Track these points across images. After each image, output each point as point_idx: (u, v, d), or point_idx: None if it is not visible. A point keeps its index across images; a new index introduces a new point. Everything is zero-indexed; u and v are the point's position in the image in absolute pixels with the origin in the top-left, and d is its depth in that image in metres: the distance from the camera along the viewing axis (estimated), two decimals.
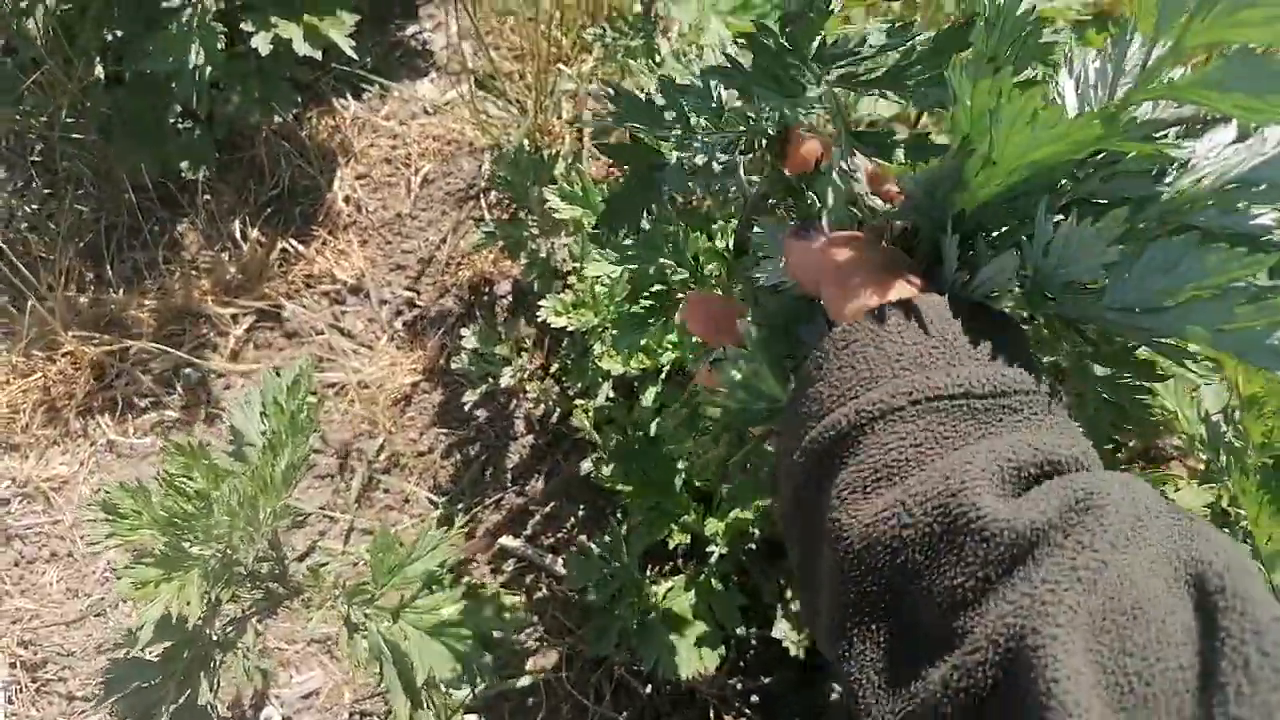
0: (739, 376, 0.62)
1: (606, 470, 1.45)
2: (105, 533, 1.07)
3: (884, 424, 0.52)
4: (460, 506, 1.78)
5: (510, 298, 1.93)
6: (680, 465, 1.46)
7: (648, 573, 1.44)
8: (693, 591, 1.40)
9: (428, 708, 1.25)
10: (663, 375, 1.47)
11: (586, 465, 1.62)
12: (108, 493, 1.07)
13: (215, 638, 1.14)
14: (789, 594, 1.54)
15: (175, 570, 1.04)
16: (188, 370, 1.88)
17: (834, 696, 1.58)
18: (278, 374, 1.26)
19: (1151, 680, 0.40)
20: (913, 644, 0.49)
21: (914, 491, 0.50)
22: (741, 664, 1.61)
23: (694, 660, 1.35)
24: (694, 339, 1.35)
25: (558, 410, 1.81)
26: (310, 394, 1.22)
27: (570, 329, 1.50)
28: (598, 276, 1.29)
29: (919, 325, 0.54)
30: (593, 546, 1.41)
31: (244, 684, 1.62)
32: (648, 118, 0.64)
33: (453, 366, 1.78)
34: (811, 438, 0.55)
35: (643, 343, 1.40)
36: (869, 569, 0.50)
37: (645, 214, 0.71)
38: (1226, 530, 1.23)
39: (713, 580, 1.43)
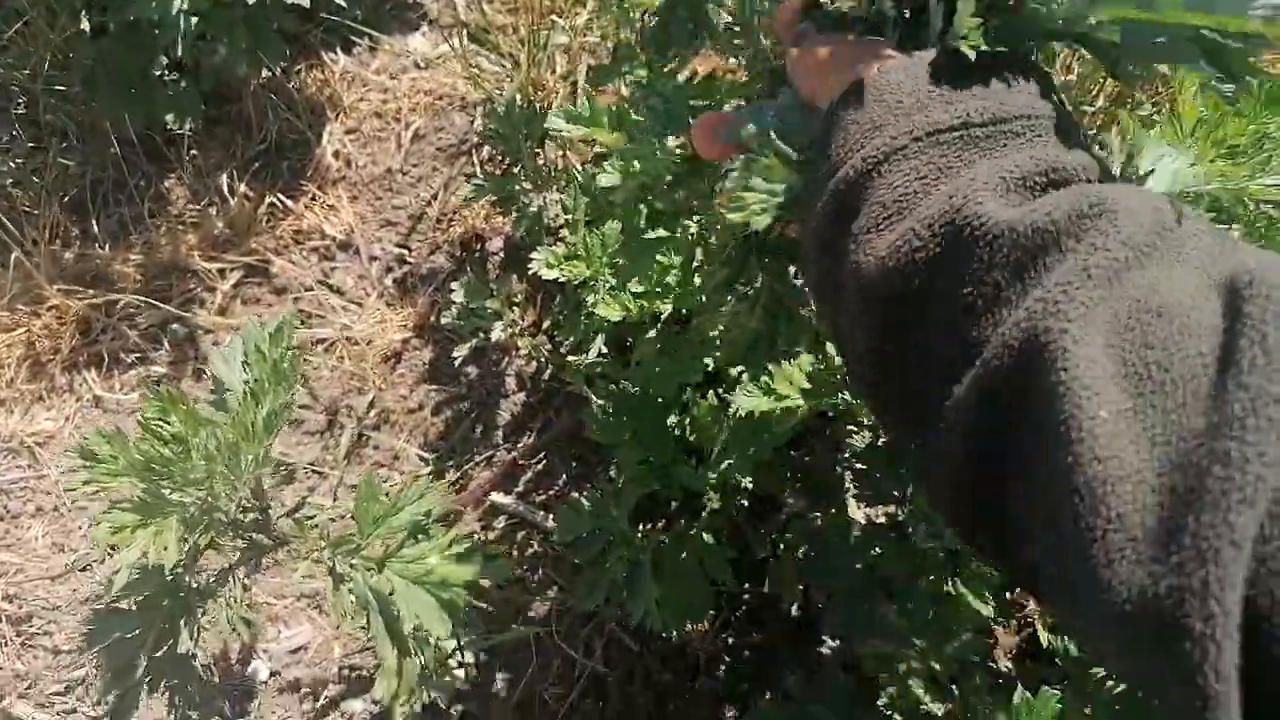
0: (752, 174, 0.62)
1: (598, 424, 1.43)
2: (83, 479, 1.05)
3: (889, 165, 0.53)
4: (451, 463, 1.77)
5: (502, 254, 1.90)
6: (672, 419, 1.44)
7: (639, 528, 1.42)
8: (683, 545, 1.38)
9: (416, 656, 1.24)
10: (660, 323, 1.45)
11: (579, 419, 1.60)
12: (85, 439, 1.05)
13: (196, 586, 1.12)
14: (781, 549, 1.53)
15: (153, 516, 1.02)
16: (175, 326, 1.85)
17: (826, 651, 1.57)
18: (261, 323, 1.23)
19: (1170, 367, 0.41)
20: (934, 369, 0.50)
21: (921, 217, 0.51)
22: (733, 620, 1.60)
23: (684, 614, 1.34)
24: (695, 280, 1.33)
25: (549, 367, 1.79)
26: (293, 342, 1.19)
27: (563, 281, 1.48)
28: (608, 190, 1.26)
29: (914, 76, 0.55)
30: (583, 501, 1.39)
31: (230, 637, 1.61)
32: None
33: (443, 322, 1.76)
34: (824, 198, 0.56)
35: (641, 289, 1.37)
36: (886, 301, 0.52)
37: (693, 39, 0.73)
38: None
39: (704, 535, 1.41)
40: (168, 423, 1.00)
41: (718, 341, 1.37)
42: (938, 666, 1.25)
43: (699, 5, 0.73)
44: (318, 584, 1.68)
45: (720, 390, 1.55)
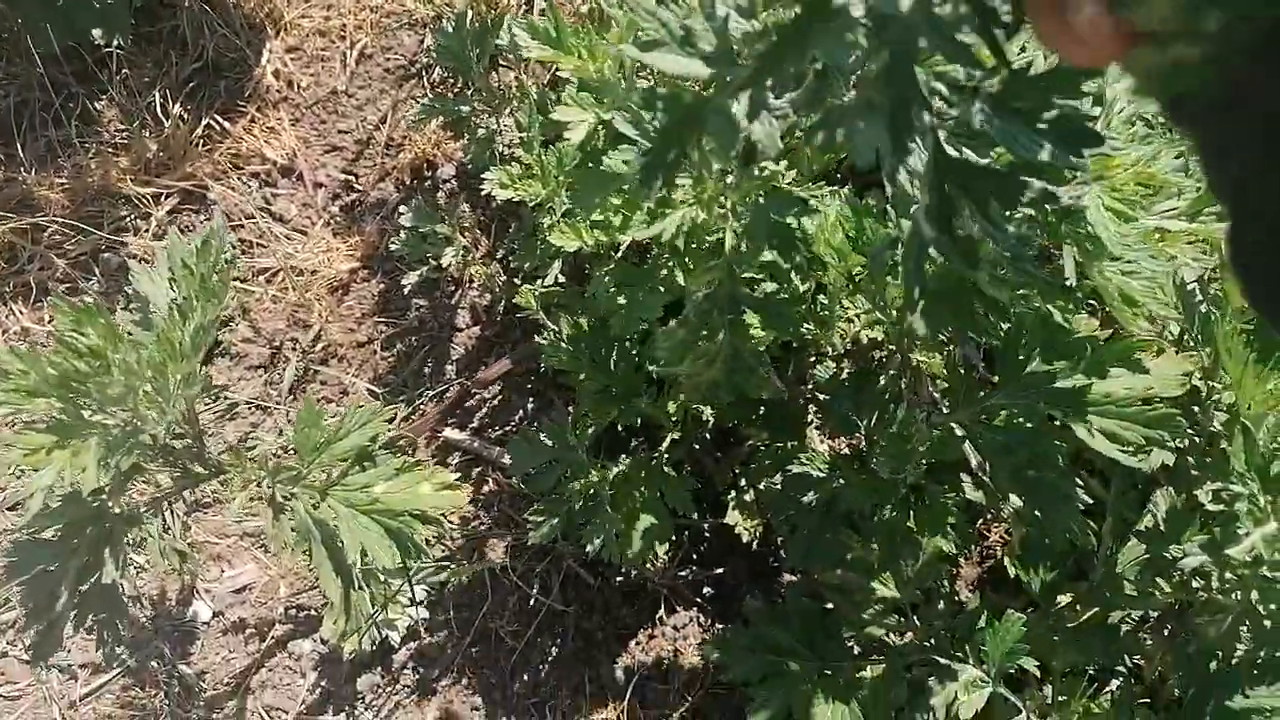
0: None
1: (555, 352, 1.37)
2: None
3: None
4: (402, 398, 1.70)
5: (454, 182, 1.81)
6: (633, 350, 1.38)
7: (597, 460, 1.37)
8: (643, 476, 1.33)
9: (364, 590, 1.18)
10: (618, 254, 1.38)
11: (537, 346, 1.54)
12: None
13: (120, 512, 1.05)
14: (742, 482, 1.48)
15: (70, 437, 0.95)
16: (106, 254, 1.75)
17: (790, 579, 1.53)
18: (189, 234, 1.15)
19: None
20: None
21: None
22: (694, 555, 1.56)
23: (644, 545, 1.29)
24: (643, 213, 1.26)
25: (504, 299, 1.71)
26: (225, 256, 1.12)
27: (517, 201, 1.40)
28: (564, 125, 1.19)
29: None
30: (538, 433, 1.33)
31: (165, 572, 1.54)
32: None
33: (391, 249, 1.68)
34: None
35: (598, 216, 1.30)
36: None
37: None
38: (1197, 409, 1.19)
39: (664, 466, 1.36)
40: (83, 334, 0.92)
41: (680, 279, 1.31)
42: (898, 595, 1.22)
43: None
44: (261, 523, 1.61)
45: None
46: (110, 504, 1.04)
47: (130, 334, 1.03)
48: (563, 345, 1.33)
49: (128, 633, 1.49)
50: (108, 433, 0.96)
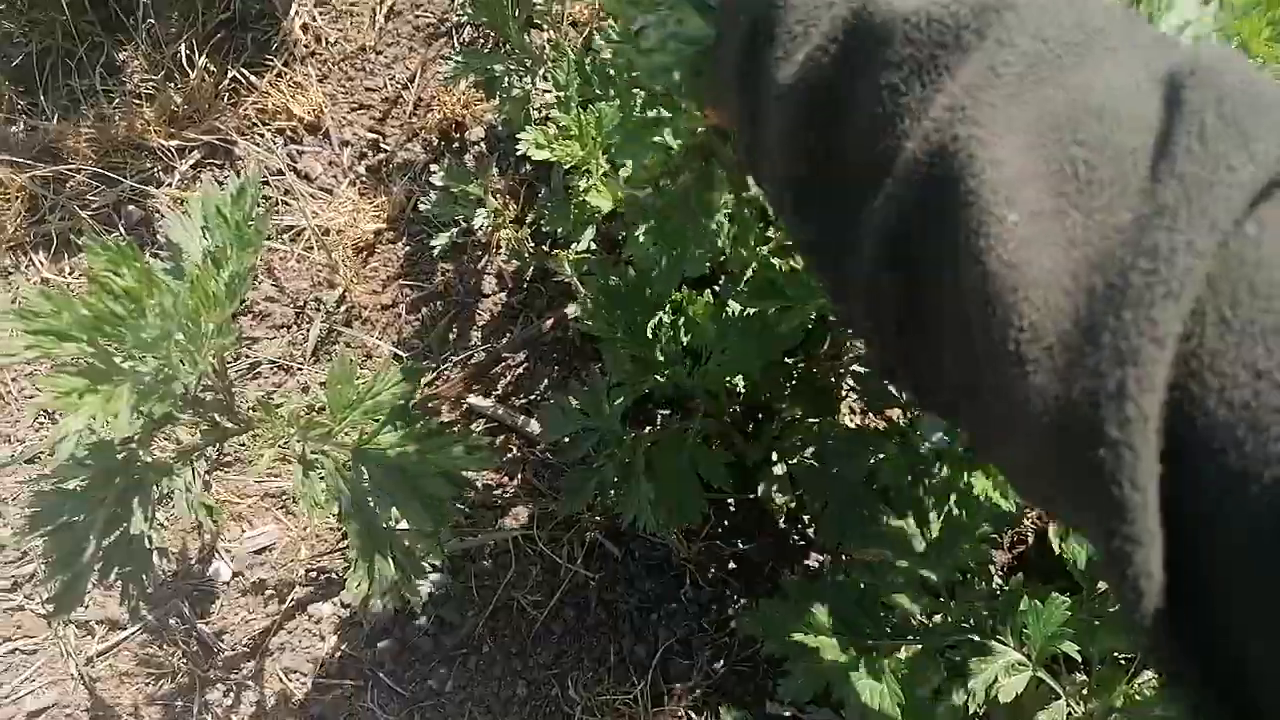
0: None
1: (588, 314, 1.34)
2: (23, 343, 0.95)
3: None
4: (427, 363, 1.67)
5: (483, 145, 1.78)
6: (666, 318, 1.35)
7: (629, 431, 1.34)
8: (677, 447, 1.30)
9: (389, 554, 1.16)
10: (654, 216, 1.35)
11: (570, 311, 1.51)
12: (25, 297, 0.94)
13: (151, 461, 1.03)
14: (774, 457, 1.46)
15: (103, 382, 0.92)
16: (130, 207, 1.73)
17: (814, 565, 1.51)
18: (220, 185, 1.12)
19: (1098, 166, 0.37)
20: (851, 190, 0.47)
21: (824, 28, 0.48)
22: (720, 530, 1.54)
23: (677, 517, 1.26)
24: None
25: (532, 266, 1.69)
26: (259, 206, 1.09)
27: (552, 162, 1.37)
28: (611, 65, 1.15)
29: None
30: (570, 399, 1.31)
31: (189, 531, 1.52)
32: None
33: (420, 208, 1.65)
34: (737, 31, 0.55)
35: (645, 161, 1.27)
36: (800, 122, 0.49)
37: None
38: None
39: (697, 438, 1.33)
40: (118, 275, 0.90)
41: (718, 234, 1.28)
42: (934, 576, 1.19)
43: None
44: (283, 483, 1.59)
45: (716, 288, 1.47)
46: (140, 453, 1.02)
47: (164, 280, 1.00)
48: (601, 310, 1.30)
49: (151, 588, 1.48)
50: (140, 379, 0.94)
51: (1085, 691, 1.14)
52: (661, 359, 1.32)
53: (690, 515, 1.26)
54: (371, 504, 1.10)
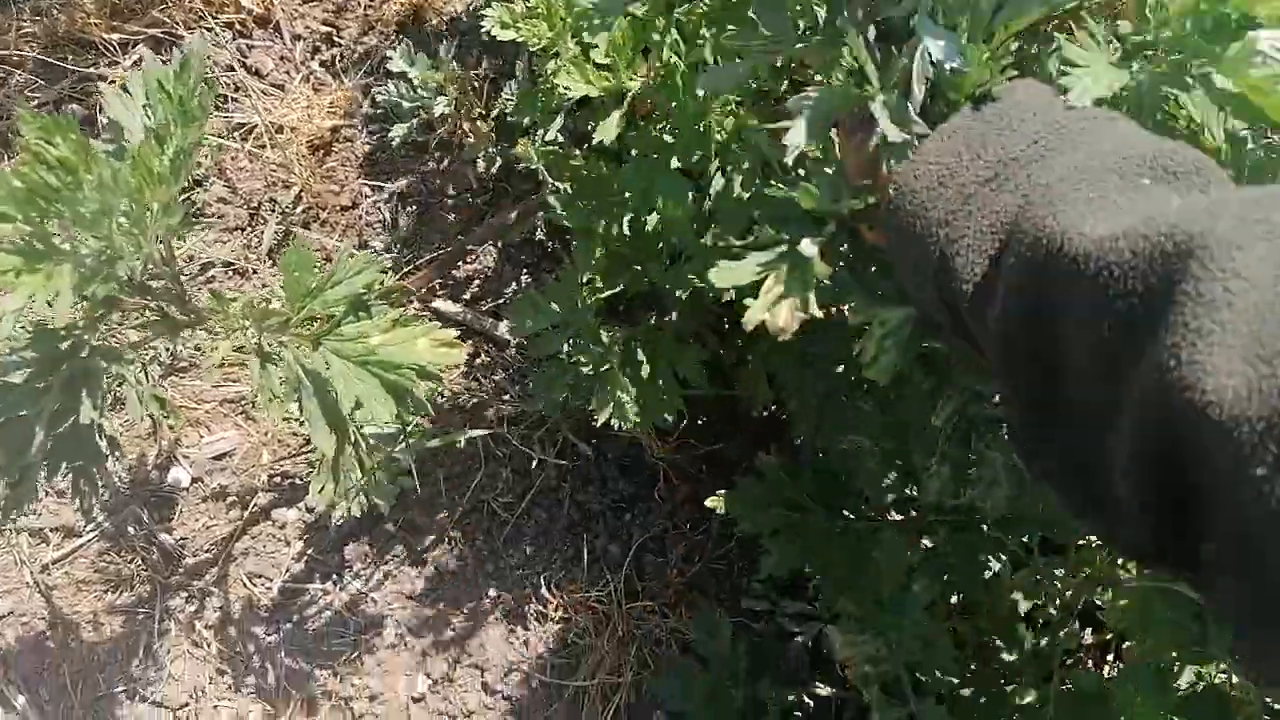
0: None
1: (562, 203, 1.29)
2: None
3: (963, 211, 0.57)
4: (389, 267, 1.61)
5: (444, 38, 1.70)
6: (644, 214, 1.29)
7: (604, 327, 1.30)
8: (654, 343, 1.27)
9: (354, 451, 1.12)
10: (627, 103, 1.29)
11: (536, 204, 1.45)
12: None
13: (99, 346, 0.97)
14: (749, 357, 1.43)
15: (41, 261, 0.86)
16: (73, 105, 1.64)
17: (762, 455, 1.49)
18: (163, 61, 1.05)
19: None
20: (1084, 424, 0.50)
21: (1012, 281, 0.51)
22: (693, 429, 1.51)
23: (654, 414, 1.23)
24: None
25: (498, 162, 1.62)
26: (204, 76, 1.02)
27: (516, 50, 1.31)
28: None
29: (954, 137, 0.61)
30: (543, 296, 1.26)
31: (144, 433, 1.48)
32: None
33: (378, 100, 1.57)
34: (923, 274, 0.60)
35: (606, 60, 1.21)
36: (1010, 355, 0.53)
37: None
38: None
39: (673, 335, 1.30)
40: (52, 145, 0.83)
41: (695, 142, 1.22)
42: (914, 459, 1.18)
43: None
44: (241, 388, 1.55)
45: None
46: (85, 337, 0.97)
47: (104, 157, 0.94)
48: (575, 202, 1.25)
49: (106, 487, 1.43)
50: (81, 260, 0.88)
51: (1061, 571, 1.15)
52: (640, 255, 1.28)
53: (667, 411, 1.23)
54: (334, 397, 1.06)
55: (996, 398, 1.00)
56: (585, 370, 1.21)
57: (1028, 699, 1.14)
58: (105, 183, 0.85)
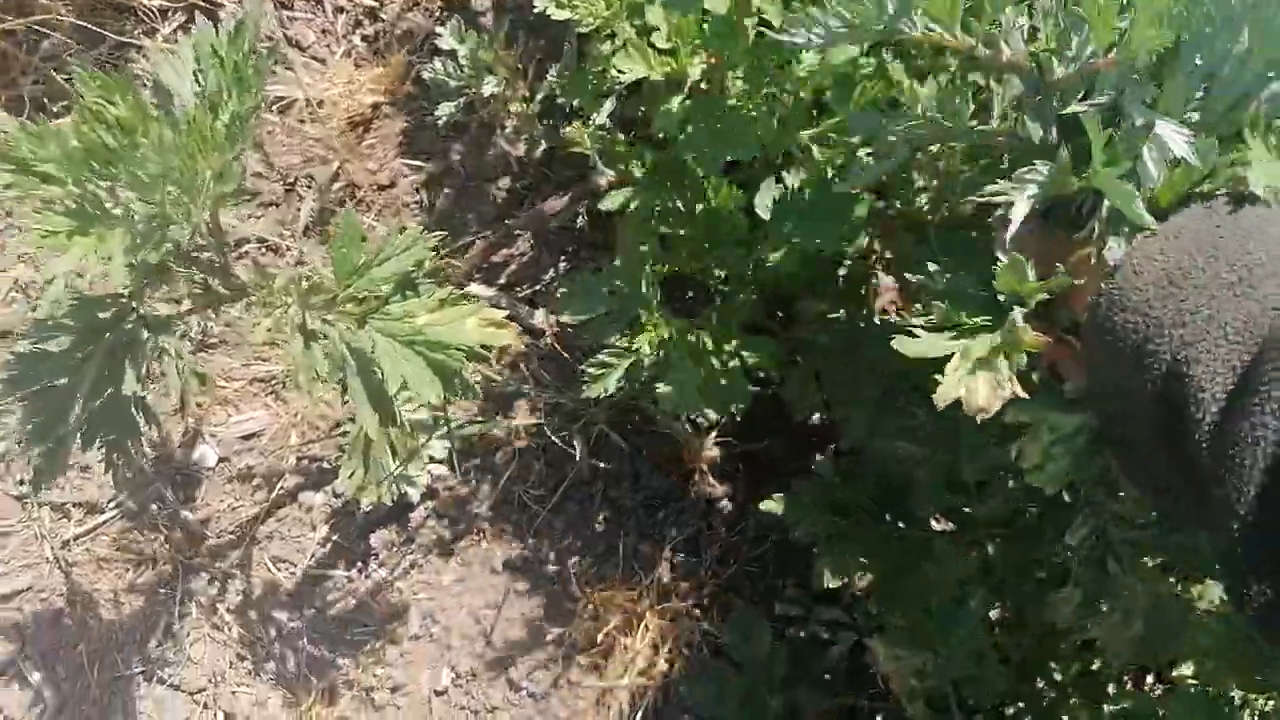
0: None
1: (636, 190, 1.24)
2: (3, 183, 0.85)
3: (1198, 348, 0.55)
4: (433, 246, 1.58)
5: (491, 14, 1.67)
6: (713, 193, 1.24)
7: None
8: (722, 331, 1.21)
9: (399, 428, 1.09)
10: (686, 91, 1.25)
11: (587, 189, 1.41)
12: (4, 134, 0.85)
13: (144, 315, 0.94)
14: (798, 357, 1.39)
15: (94, 225, 0.83)
16: (111, 71, 1.60)
17: (819, 458, 1.46)
18: (215, 27, 1.02)
19: None
20: None
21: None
22: (733, 427, 1.48)
23: (722, 405, 1.19)
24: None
25: (541, 146, 1.59)
26: (259, 44, 0.99)
27: (566, 28, 1.27)
28: None
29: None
30: (594, 279, 1.22)
31: (171, 409, 1.44)
32: None
33: (424, 75, 1.53)
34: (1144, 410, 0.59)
35: (669, 45, 1.18)
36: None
37: None
38: None
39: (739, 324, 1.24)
40: (111, 104, 0.80)
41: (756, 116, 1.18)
42: (965, 474, 1.15)
43: None
44: (272, 367, 1.51)
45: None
46: (131, 305, 0.93)
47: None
48: (640, 180, 1.21)
49: (138, 460, 1.40)
50: (132, 223, 0.85)
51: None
52: (709, 243, 1.23)
53: (739, 401, 1.19)
54: (379, 377, 1.03)
55: (1139, 519, 0.95)
56: (647, 359, 1.16)
57: None
58: (164, 146, 0.81)
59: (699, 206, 1.20)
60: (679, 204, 1.20)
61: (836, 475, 1.14)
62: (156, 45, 1.59)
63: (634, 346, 1.15)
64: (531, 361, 1.53)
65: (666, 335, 1.16)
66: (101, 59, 1.60)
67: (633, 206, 1.23)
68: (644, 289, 1.17)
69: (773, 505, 1.15)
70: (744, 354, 1.19)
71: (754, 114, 1.12)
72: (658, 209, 1.20)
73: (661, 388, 1.15)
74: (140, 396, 0.96)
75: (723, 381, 1.18)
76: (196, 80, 1.03)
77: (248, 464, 1.46)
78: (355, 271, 1.04)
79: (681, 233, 1.20)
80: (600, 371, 1.18)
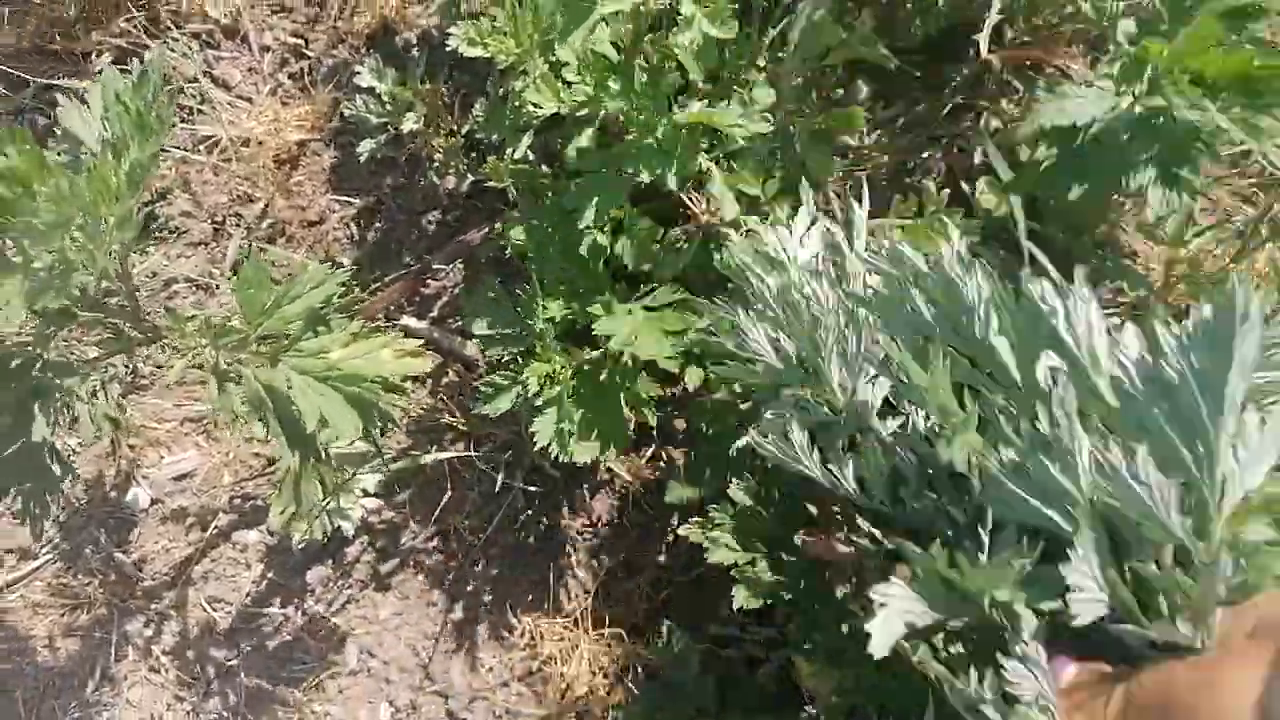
0: None
1: (521, 228, 1.28)
2: None
3: None
4: (356, 284, 1.59)
5: (415, 52, 1.69)
6: (602, 240, 1.28)
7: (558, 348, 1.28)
8: (607, 370, 1.25)
9: (317, 471, 1.09)
10: (597, 125, 1.28)
11: (501, 230, 1.43)
12: None
13: (52, 360, 0.94)
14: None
15: None
16: (33, 115, 1.61)
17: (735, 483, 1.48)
18: (123, 72, 1.03)
19: None
20: None
21: None
22: (664, 451, 1.50)
23: (598, 447, 1.21)
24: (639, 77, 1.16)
25: (467, 180, 1.61)
26: (164, 90, 1.00)
27: (485, 66, 1.29)
28: None
29: None
30: (505, 298, 1.25)
31: (103, 453, 1.44)
32: None
33: (345, 113, 1.55)
34: None
35: (577, 78, 1.20)
36: None
37: None
38: None
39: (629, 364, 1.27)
40: (5, 156, 0.81)
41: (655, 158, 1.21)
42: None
43: None
44: (202, 407, 1.51)
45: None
46: (37, 351, 0.94)
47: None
48: (531, 224, 1.24)
49: (59, 510, 1.39)
50: (33, 273, 0.86)
51: None
52: (593, 285, 1.26)
53: (615, 444, 1.22)
54: (297, 414, 1.04)
55: None
56: (534, 386, 1.18)
57: None
58: (60, 195, 0.82)
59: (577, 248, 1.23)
60: (567, 250, 1.22)
61: (750, 498, 1.16)
62: (69, 94, 1.59)
63: (523, 376, 1.18)
64: (464, 391, 1.54)
65: (554, 370, 1.19)
66: (26, 103, 1.60)
67: (529, 249, 1.26)
68: (539, 313, 1.19)
69: (691, 531, 1.17)
70: (627, 394, 1.22)
71: (646, 143, 1.15)
72: (542, 251, 1.23)
73: (537, 423, 1.18)
74: (52, 444, 0.97)
75: (602, 423, 1.21)
76: (104, 126, 1.05)
77: (181, 504, 1.46)
78: (264, 311, 1.05)
79: (571, 279, 1.23)
80: (492, 391, 1.21)
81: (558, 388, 1.21)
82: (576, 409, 1.22)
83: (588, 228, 1.22)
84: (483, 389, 1.22)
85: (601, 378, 1.25)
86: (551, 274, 1.28)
